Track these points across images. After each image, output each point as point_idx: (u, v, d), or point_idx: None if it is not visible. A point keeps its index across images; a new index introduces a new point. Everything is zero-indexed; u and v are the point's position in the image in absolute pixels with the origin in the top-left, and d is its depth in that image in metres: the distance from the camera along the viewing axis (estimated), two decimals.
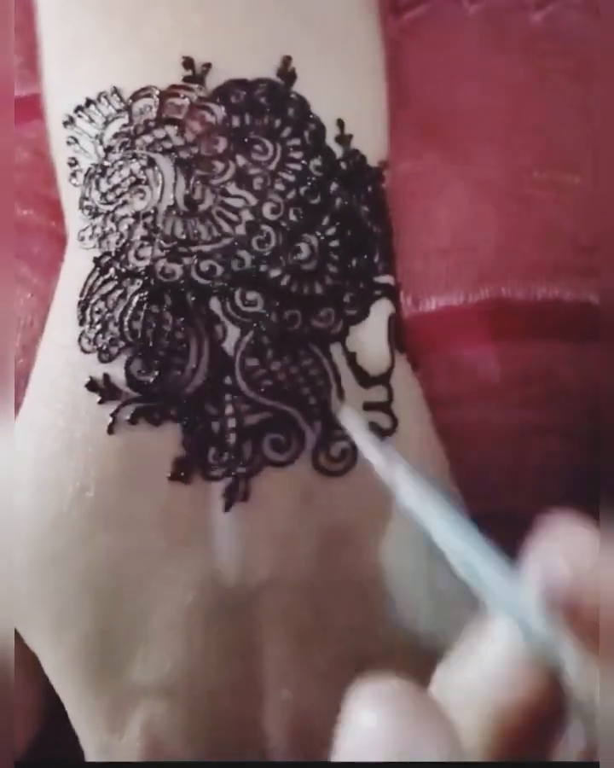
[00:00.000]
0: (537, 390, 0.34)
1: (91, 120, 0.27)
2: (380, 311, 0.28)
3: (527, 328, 0.34)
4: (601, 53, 0.37)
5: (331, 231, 0.27)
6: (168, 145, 0.26)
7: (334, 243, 0.27)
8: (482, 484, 0.32)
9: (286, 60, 0.27)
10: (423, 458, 0.29)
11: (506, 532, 0.19)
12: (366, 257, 0.28)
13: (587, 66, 0.37)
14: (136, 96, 0.27)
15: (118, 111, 0.27)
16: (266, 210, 0.26)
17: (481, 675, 0.18)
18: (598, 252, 0.35)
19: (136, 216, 0.26)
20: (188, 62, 0.26)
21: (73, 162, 0.28)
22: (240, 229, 0.26)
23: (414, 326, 0.34)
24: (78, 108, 0.27)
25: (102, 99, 0.27)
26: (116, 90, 0.27)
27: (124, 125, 0.27)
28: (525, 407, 0.33)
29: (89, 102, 0.27)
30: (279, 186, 0.26)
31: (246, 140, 0.26)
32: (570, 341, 0.34)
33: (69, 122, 0.28)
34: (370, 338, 0.27)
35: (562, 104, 0.36)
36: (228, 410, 0.26)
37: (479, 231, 0.35)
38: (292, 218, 0.26)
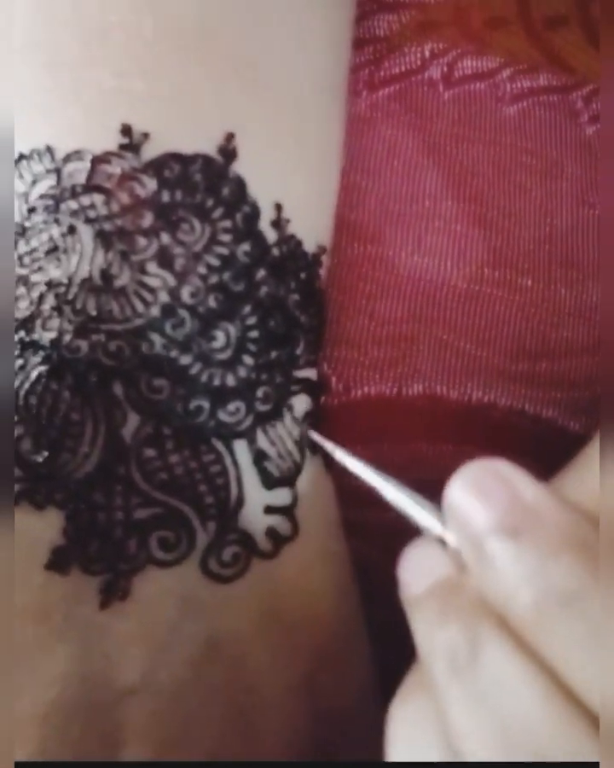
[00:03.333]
0: None
1: (21, 177, 0.26)
2: (297, 407, 0.27)
3: (456, 430, 0.33)
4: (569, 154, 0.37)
5: (252, 320, 0.25)
6: (92, 214, 0.25)
7: (254, 333, 0.25)
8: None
9: (229, 137, 0.26)
10: (325, 560, 0.27)
11: None
12: (288, 349, 0.26)
13: (553, 167, 0.36)
14: (68, 158, 0.25)
15: (48, 171, 0.25)
16: (185, 293, 0.25)
17: None
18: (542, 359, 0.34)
19: (49, 284, 0.25)
20: (126, 130, 0.25)
21: None
22: (155, 311, 0.24)
23: (342, 414, 0.32)
24: None
25: (34, 156, 0.26)
26: (49, 149, 0.25)
27: (52, 187, 0.25)
28: None
29: (21, 157, 0.26)
30: (201, 269, 0.25)
31: (174, 217, 0.25)
32: (498, 451, 0.33)
33: None
34: (281, 436, 0.26)
35: (524, 203, 0.36)
36: (118, 501, 0.24)
37: (421, 323, 0.33)
38: (211, 303, 0.25)
